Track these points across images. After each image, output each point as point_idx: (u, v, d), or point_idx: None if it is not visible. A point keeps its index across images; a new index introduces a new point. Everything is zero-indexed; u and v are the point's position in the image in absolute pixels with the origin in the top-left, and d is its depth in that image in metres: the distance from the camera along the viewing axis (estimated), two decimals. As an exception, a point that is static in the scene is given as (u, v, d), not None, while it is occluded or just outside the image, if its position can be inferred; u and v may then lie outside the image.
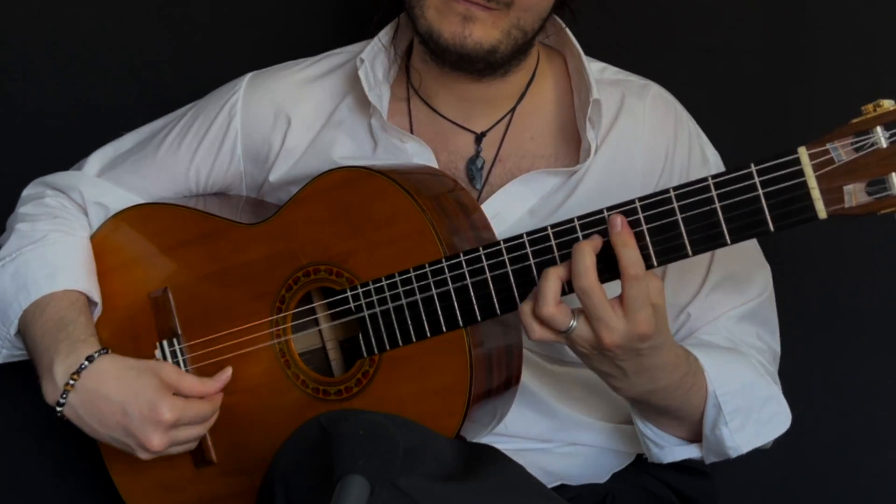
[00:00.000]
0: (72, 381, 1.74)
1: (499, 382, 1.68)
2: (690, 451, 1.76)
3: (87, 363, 1.74)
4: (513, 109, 1.85)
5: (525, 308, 1.56)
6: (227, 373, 1.77)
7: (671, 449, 1.76)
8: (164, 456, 1.79)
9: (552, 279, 1.53)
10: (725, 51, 2.20)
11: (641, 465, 1.89)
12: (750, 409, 1.71)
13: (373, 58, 1.84)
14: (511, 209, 1.80)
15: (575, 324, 1.54)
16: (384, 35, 1.87)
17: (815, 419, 2.16)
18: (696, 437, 1.75)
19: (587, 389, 1.86)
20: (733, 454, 1.73)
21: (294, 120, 1.87)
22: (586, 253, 1.51)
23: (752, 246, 1.85)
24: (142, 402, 1.71)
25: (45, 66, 2.29)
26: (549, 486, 1.74)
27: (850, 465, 2.19)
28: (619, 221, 1.51)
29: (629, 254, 1.50)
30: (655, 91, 1.87)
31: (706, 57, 2.20)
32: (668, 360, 1.62)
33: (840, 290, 2.20)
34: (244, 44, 2.29)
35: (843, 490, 2.21)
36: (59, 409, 1.75)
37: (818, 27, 2.17)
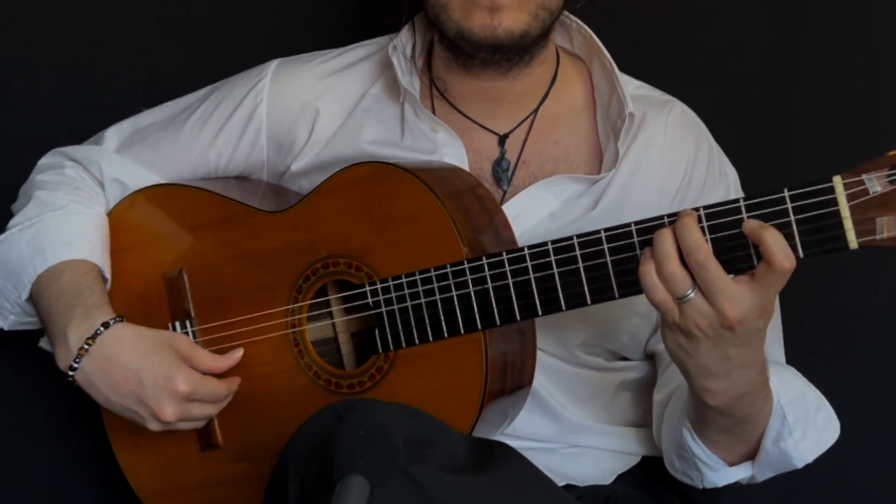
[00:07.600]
0: (86, 346, 1.73)
1: (512, 384, 1.68)
2: (744, 471, 1.73)
3: (102, 329, 1.74)
4: (535, 111, 1.84)
5: (645, 269, 1.51)
6: (238, 353, 1.77)
7: (725, 471, 1.73)
8: (169, 437, 1.79)
9: (667, 237, 1.49)
10: (726, 51, 2.18)
11: (646, 467, 1.89)
12: (807, 417, 1.69)
13: (402, 48, 1.83)
14: (532, 212, 1.79)
15: (692, 294, 1.49)
16: (403, 39, 1.85)
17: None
18: (742, 458, 1.72)
19: (595, 390, 1.86)
20: (799, 464, 1.70)
21: (322, 111, 1.86)
22: (693, 228, 1.48)
23: None
24: (157, 372, 1.71)
25: (46, 66, 2.26)
26: (556, 485, 1.75)
27: (853, 467, 2.18)
28: (755, 223, 1.47)
29: (783, 244, 1.46)
30: (679, 108, 1.88)
31: (706, 57, 2.19)
32: (761, 358, 1.59)
33: (841, 292, 2.20)
34: (244, 43, 2.26)
35: (846, 491, 2.21)
36: (70, 373, 1.74)
37: (819, 27, 2.17)
